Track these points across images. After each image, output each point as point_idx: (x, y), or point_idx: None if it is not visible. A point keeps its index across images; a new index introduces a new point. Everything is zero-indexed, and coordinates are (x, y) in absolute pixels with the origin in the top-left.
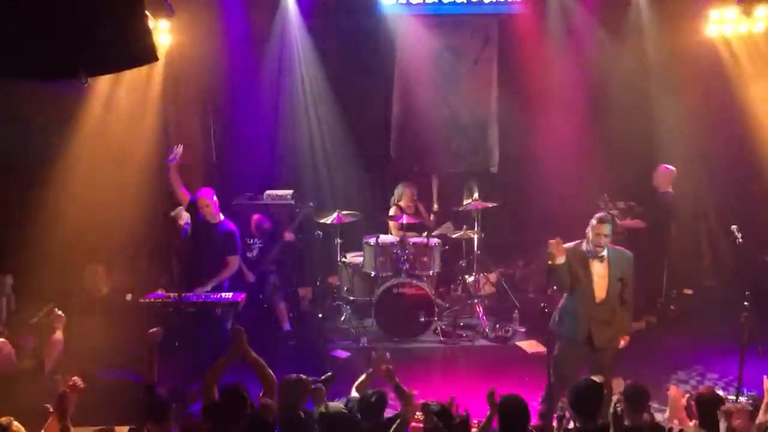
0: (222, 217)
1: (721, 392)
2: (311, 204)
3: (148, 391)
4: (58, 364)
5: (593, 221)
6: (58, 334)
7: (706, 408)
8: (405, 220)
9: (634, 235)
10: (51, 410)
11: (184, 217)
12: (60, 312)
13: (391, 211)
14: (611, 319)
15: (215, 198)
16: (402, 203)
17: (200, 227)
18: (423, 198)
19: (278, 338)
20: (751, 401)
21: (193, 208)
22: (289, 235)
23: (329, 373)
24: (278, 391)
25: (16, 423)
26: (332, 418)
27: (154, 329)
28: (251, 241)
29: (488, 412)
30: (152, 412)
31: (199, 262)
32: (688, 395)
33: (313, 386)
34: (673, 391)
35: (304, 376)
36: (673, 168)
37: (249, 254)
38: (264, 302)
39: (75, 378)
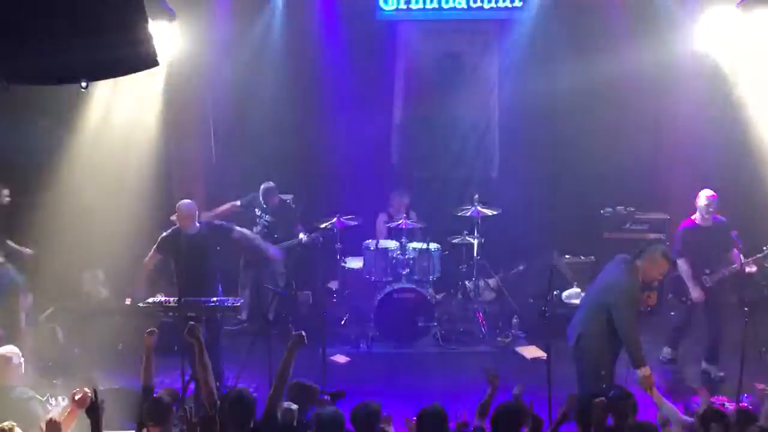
0: (198, 224)
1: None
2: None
3: (146, 393)
4: None
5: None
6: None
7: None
8: (404, 224)
9: None
10: None
11: None
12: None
13: (384, 217)
14: None
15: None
16: (392, 210)
17: (184, 244)
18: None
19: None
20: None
21: (165, 244)
22: (304, 236)
23: (341, 389)
24: (287, 392)
25: (18, 429)
26: (324, 417)
27: (149, 330)
28: (259, 213)
29: (489, 391)
30: (154, 413)
31: (198, 268)
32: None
33: (320, 396)
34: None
35: (313, 384)
36: (712, 192)
37: (253, 227)
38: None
39: (86, 390)
